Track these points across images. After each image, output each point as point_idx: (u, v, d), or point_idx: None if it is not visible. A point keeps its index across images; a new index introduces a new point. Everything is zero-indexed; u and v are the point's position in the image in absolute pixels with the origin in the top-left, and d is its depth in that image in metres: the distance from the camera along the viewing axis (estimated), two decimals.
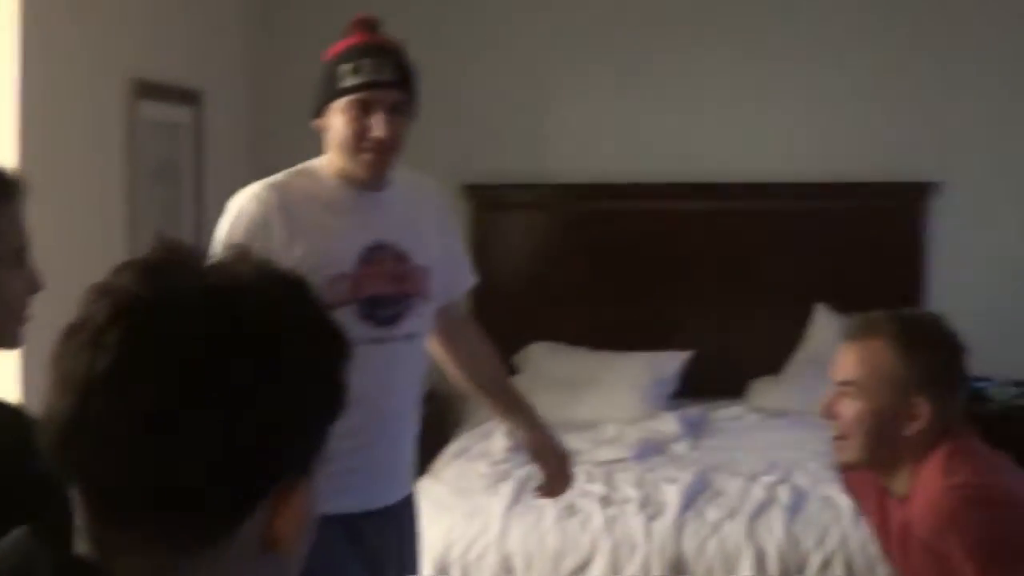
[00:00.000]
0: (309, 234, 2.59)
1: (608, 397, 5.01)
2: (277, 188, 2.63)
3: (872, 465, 2.49)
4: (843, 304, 4.91)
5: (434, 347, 2.91)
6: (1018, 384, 5.35)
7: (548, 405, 4.93)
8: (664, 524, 3.80)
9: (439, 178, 5.32)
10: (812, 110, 5.52)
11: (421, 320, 2.73)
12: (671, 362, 5.23)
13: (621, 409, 4.95)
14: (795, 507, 3.88)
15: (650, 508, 3.91)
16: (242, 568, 1.01)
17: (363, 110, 2.57)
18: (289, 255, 2.52)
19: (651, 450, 4.55)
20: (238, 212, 2.61)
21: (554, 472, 2.97)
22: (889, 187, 5.46)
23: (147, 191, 4.35)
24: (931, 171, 5.45)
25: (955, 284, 5.46)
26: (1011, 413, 5.26)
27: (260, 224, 2.57)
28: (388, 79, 2.60)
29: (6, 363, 3.04)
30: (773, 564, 3.70)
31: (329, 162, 2.68)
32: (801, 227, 5.47)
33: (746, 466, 4.31)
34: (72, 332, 0.98)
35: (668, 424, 4.81)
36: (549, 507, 3.87)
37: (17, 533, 1.04)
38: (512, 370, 5.31)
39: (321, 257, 2.56)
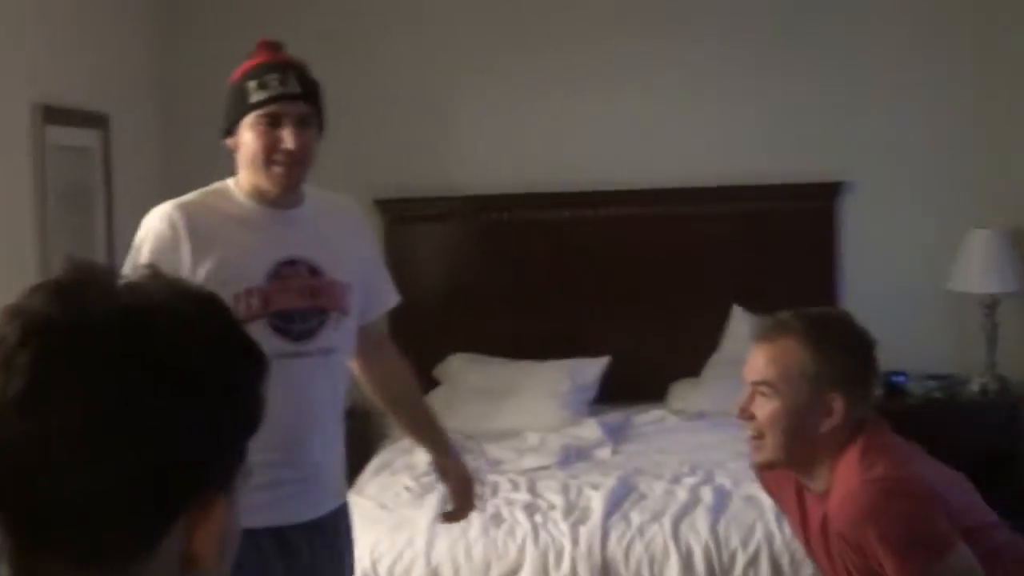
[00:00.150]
0: (218, 250, 2.62)
1: (529, 406, 5.02)
2: (185, 206, 2.66)
3: (789, 463, 2.53)
4: (759, 305, 4.96)
5: (353, 366, 2.94)
6: (933, 377, 5.44)
7: (470, 416, 4.98)
8: (590, 529, 3.82)
9: (350, 194, 5.35)
10: (721, 114, 5.58)
11: (339, 335, 2.75)
12: (590, 368, 5.26)
13: (542, 417, 4.96)
14: (719, 507, 3.91)
15: (575, 514, 3.93)
16: None
17: (272, 124, 2.62)
18: (198, 272, 2.58)
19: (574, 456, 4.57)
20: (146, 231, 2.65)
21: (459, 497, 3.06)
22: (800, 188, 5.53)
23: (57, 215, 4.30)
24: (840, 171, 5.54)
25: (868, 281, 5.56)
26: (929, 406, 5.36)
27: (167, 242, 2.60)
28: (294, 92, 2.64)
29: None
30: (700, 564, 3.73)
31: (241, 181, 2.71)
32: (714, 230, 5.53)
33: (669, 469, 4.34)
34: None
35: (590, 430, 4.83)
36: (475, 517, 3.87)
37: None
38: (432, 382, 5.32)
39: (231, 272, 2.60)
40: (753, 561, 3.73)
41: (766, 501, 3.72)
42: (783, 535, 3.68)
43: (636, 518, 3.88)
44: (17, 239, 4.07)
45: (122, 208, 4.71)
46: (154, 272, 1.07)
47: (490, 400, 5.08)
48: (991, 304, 5.35)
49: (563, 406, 5.03)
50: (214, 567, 1.04)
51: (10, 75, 4.05)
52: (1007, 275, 5.30)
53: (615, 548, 3.76)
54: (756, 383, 2.50)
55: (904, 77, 5.53)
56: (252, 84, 2.63)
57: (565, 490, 4.14)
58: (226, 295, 2.52)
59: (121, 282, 1.04)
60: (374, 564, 3.75)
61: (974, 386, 5.41)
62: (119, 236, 4.63)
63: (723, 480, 4.15)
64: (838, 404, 2.44)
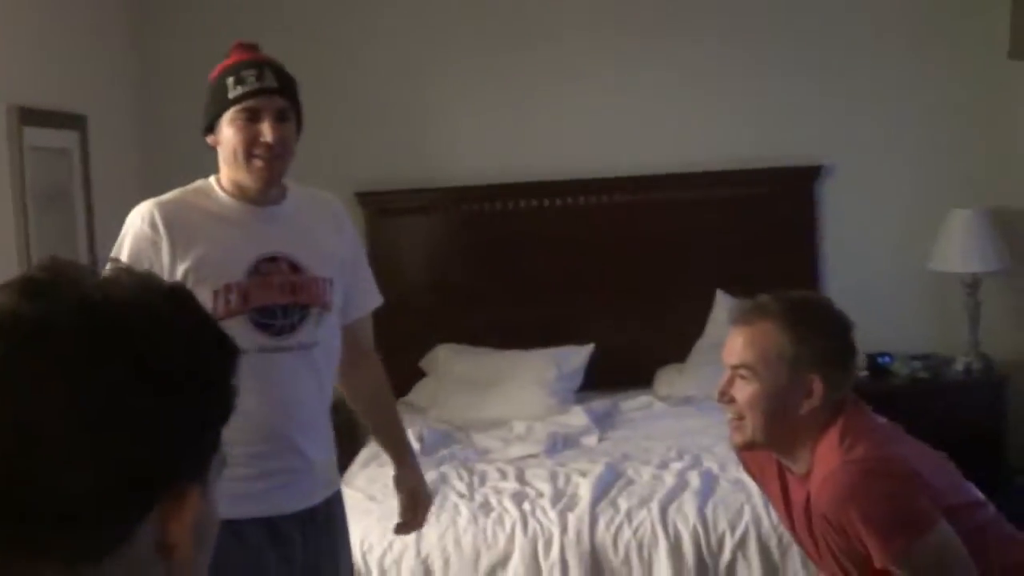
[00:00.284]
0: (198, 248, 2.66)
1: (516, 394, 5.04)
2: (165, 205, 2.70)
3: (770, 445, 2.54)
4: (743, 289, 4.90)
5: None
6: (918, 358, 5.47)
7: (457, 406, 5.00)
8: (578, 516, 3.83)
9: (330, 187, 5.35)
10: (699, 101, 5.60)
11: (321, 330, 2.77)
12: (575, 356, 5.28)
13: (529, 406, 4.98)
14: (706, 491, 3.92)
15: (563, 501, 3.94)
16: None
17: (251, 119, 2.67)
18: (177, 269, 2.63)
19: (561, 444, 4.59)
20: (126, 229, 2.69)
21: (408, 511, 3.13)
22: (780, 172, 5.55)
23: (37, 216, 4.30)
24: (819, 154, 5.56)
25: (850, 264, 5.60)
26: (914, 386, 5.39)
27: (147, 240, 2.65)
28: (272, 86, 2.69)
29: None
30: (688, 548, 3.74)
31: (222, 178, 2.76)
32: (696, 216, 5.55)
33: (656, 454, 4.36)
34: None
35: (577, 418, 4.85)
36: (463, 506, 3.90)
37: None
38: (419, 373, 5.34)
39: (210, 269, 2.65)
40: (741, 544, 3.74)
41: (753, 485, 3.72)
42: (771, 518, 3.69)
43: (624, 504, 3.89)
44: None
45: (102, 208, 4.72)
46: (125, 268, 1.08)
47: (477, 390, 5.10)
48: (973, 283, 5.38)
49: (550, 394, 5.05)
50: (189, 557, 1.05)
51: None
52: (988, 254, 5.32)
53: (603, 534, 3.78)
54: (735, 366, 2.52)
55: (881, 60, 5.56)
56: (230, 80, 2.68)
57: (553, 478, 4.15)
58: (206, 292, 2.62)
59: (93, 279, 1.05)
60: (364, 555, 3.76)
61: (958, 365, 5.44)
62: (100, 236, 4.64)
63: (710, 464, 4.17)
64: (817, 386, 2.45)
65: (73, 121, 4.69)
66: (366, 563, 3.76)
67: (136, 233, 2.66)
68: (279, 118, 2.68)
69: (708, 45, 5.57)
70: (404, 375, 5.34)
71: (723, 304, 5.28)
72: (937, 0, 5.53)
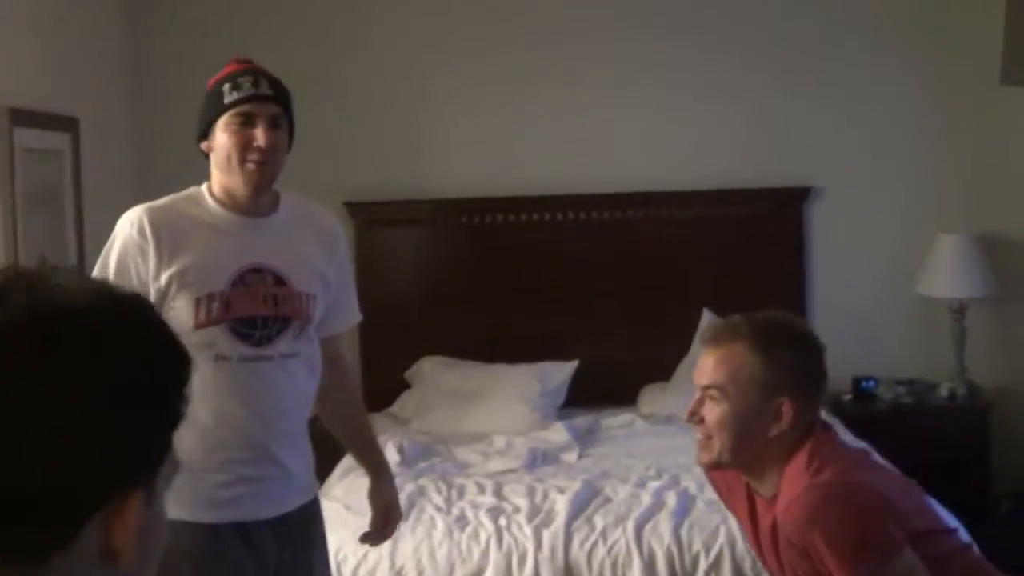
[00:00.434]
0: (184, 255, 2.70)
1: (499, 409, 5.04)
2: (154, 211, 2.74)
3: (737, 466, 2.54)
4: (729, 309, 4.92)
5: None
6: (903, 382, 5.47)
7: (440, 419, 5.00)
8: (553, 533, 3.83)
9: (321, 197, 5.36)
10: (691, 120, 5.61)
11: (299, 342, 2.81)
12: (560, 372, 5.28)
13: (512, 421, 4.98)
14: (682, 511, 3.92)
15: (540, 517, 3.93)
16: None
17: (245, 124, 2.73)
18: (162, 276, 2.68)
19: (541, 460, 4.59)
20: (116, 234, 2.73)
21: (378, 524, 3.16)
22: (769, 192, 5.56)
23: (27, 217, 4.31)
24: (809, 176, 5.57)
25: (837, 286, 5.61)
26: (899, 410, 5.40)
27: (134, 246, 2.69)
28: (266, 93, 2.75)
29: None
30: (662, 568, 3.74)
31: (213, 186, 2.80)
32: (685, 234, 5.56)
33: (635, 472, 4.36)
34: None
35: (558, 434, 4.85)
36: (439, 520, 3.90)
37: None
38: (404, 384, 5.35)
39: (193, 277, 2.69)
40: (715, 565, 3.74)
41: None
42: (745, 541, 3.69)
43: (600, 522, 3.89)
44: None
45: (92, 211, 4.73)
46: (82, 275, 1.09)
47: (460, 403, 5.11)
48: (960, 309, 5.39)
49: (532, 410, 5.05)
50: (133, 563, 1.05)
51: None
52: (975, 280, 5.33)
53: (578, 552, 3.77)
54: (705, 387, 2.53)
55: (873, 84, 5.58)
56: (226, 87, 2.74)
57: (531, 493, 4.15)
58: (188, 299, 2.66)
59: (49, 285, 1.05)
60: (338, 566, 3.76)
61: (943, 391, 5.44)
62: (89, 238, 4.65)
63: (688, 484, 4.16)
64: (787, 409, 2.45)
65: (65, 123, 4.70)
66: (340, 573, 3.76)
67: (124, 238, 2.70)
68: (272, 124, 2.74)
69: (703, 65, 5.58)
70: (389, 386, 5.36)
71: (709, 323, 5.28)
72: (930, 25, 5.54)
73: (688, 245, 5.55)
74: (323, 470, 4.50)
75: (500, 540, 3.82)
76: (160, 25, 5.56)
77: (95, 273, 2.75)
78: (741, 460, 2.52)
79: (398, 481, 4.21)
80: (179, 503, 2.71)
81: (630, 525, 3.85)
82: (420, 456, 4.63)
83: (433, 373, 5.33)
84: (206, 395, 2.69)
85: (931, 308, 5.50)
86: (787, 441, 2.47)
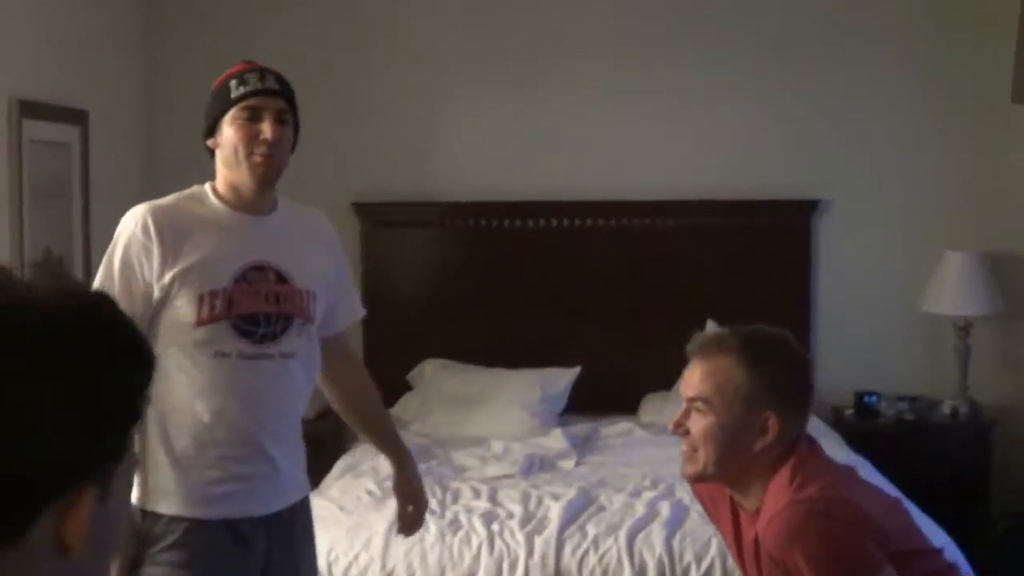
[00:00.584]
0: (188, 253, 2.73)
1: (498, 414, 5.05)
2: (160, 209, 2.78)
3: (721, 478, 2.54)
4: (733, 320, 4.93)
5: (318, 379, 3.05)
6: (905, 399, 5.46)
7: (440, 422, 5.01)
8: (545, 539, 3.82)
9: (328, 197, 5.40)
10: (700, 130, 5.61)
11: (301, 340, 2.85)
12: (561, 379, 5.28)
13: (511, 426, 4.99)
14: (675, 522, 3.91)
15: (532, 524, 3.93)
16: (33, 573, 1.03)
17: (252, 117, 2.76)
18: (167, 273, 2.71)
19: (537, 466, 4.59)
20: (120, 232, 2.77)
21: (406, 510, 3.19)
22: (776, 205, 5.56)
23: (33, 209, 4.34)
24: (816, 189, 5.57)
25: (842, 301, 5.60)
26: (900, 427, 5.39)
27: (140, 244, 2.72)
28: (273, 87, 2.80)
29: None
30: None
31: (217, 184, 2.84)
32: (691, 244, 5.56)
33: (631, 481, 4.35)
34: None
35: (556, 440, 4.85)
36: (432, 523, 3.90)
37: None
38: (405, 387, 5.36)
39: (198, 274, 2.72)
40: None
41: None
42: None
43: (592, 530, 3.89)
44: None
45: (100, 204, 4.76)
46: (47, 272, 1.10)
47: (461, 407, 5.12)
48: (964, 327, 5.37)
49: (532, 415, 5.05)
50: (85, 558, 1.06)
51: None
52: (981, 298, 5.32)
53: (569, 559, 3.77)
54: (691, 399, 2.53)
55: (884, 99, 5.57)
56: (233, 83, 2.79)
57: (525, 499, 4.15)
58: (191, 296, 2.69)
59: (13, 284, 1.06)
60: (329, 566, 3.77)
61: (945, 408, 5.42)
62: (96, 232, 4.68)
63: (683, 495, 4.14)
64: (772, 423, 2.45)
65: (75, 116, 4.73)
66: (331, 574, 3.77)
67: (129, 237, 2.74)
68: (279, 119, 2.78)
69: (711, 75, 5.58)
70: (390, 387, 5.34)
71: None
72: (941, 42, 5.53)
73: (693, 255, 5.55)
74: (322, 469, 4.53)
75: (492, 545, 3.82)
76: (174, 20, 5.58)
77: (100, 271, 2.78)
78: (726, 473, 2.52)
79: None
80: (171, 498, 2.75)
81: (622, 534, 3.84)
82: (417, 459, 4.61)
83: (434, 376, 5.34)
84: (204, 392, 2.74)
85: (936, 325, 5.49)
86: (772, 455, 2.46)
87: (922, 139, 5.56)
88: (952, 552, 3.73)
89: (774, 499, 2.43)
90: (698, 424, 2.50)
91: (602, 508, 4.09)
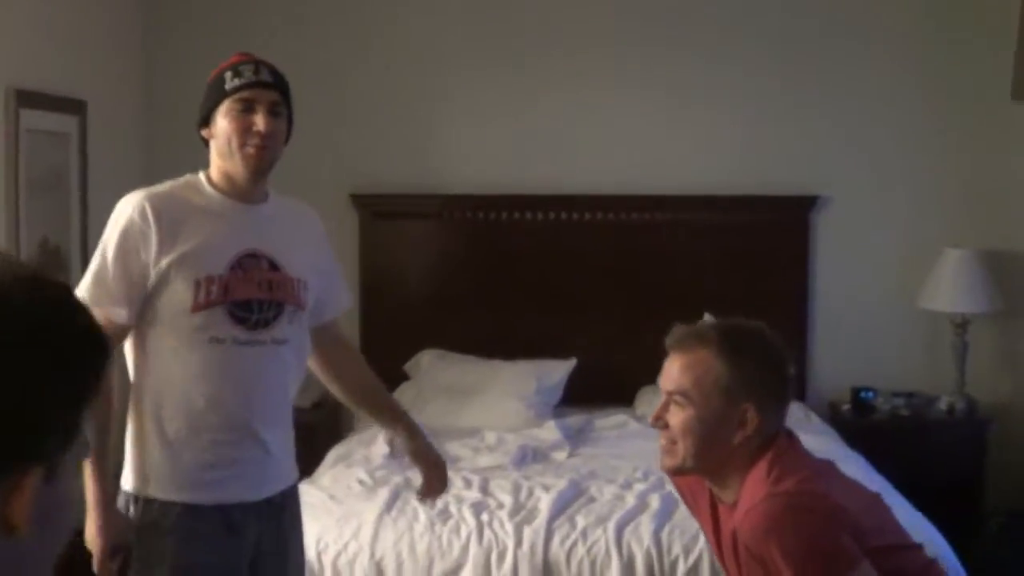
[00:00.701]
0: (184, 239, 2.78)
1: (494, 405, 5.06)
2: (157, 196, 2.82)
3: (700, 471, 2.55)
4: (731, 314, 4.93)
5: (315, 367, 3.12)
6: (901, 395, 5.46)
7: (435, 412, 5.02)
8: (534, 530, 3.84)
9: (327, 188, 5.42)
10: (701, 125, 5.61)
11: (293, 328, 2.90)
12: (557, 371, 5.29)
13: (505, 417, 5.00)
14: (664, 514, 3.91)
15: (522, 514, 3.95)
16: None
17: (245, 109, 2.81)
18: (163, 259, 2.75)
19: (530, 457, 4.60)
20: (117, 218, 2.81)
21: (431, 475, 3.21)
22: (775, 200, 5.56)
23: (29, 199, 4.36)
24: (816, 185, 5.56)
25: (840, 296, 5.60)
26: (896, 423, 5.38)
27: (138, 229, 2.76)
28: (267, 80, 2.84)
29: None
30: (641, 570, 3.74)
31: (212, 173, 2.89)
32: (689, 238, 5.57)
33: (622, 473, 4.36)
34: None
35: (549, 432, 4.86)
36: (422, 512, 3.92)
37: None
38: (402, 377, 5.38)
39: (194, 260, 2.76)
40: (694, 570, 3.73)
41: None
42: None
43: (581, 521, 3.90)
44: None
45: (98, 194, 4.76)
46: (10, 262, 1.12)
47: (456, 398, 5.13)
48: (962, 323, 5.37)
49: (527, 407, 5.06)
50: (32, 540, 1.08)
51: None
52: (979, 295, 5.31)
53: (557, 550, 3.78)
54: (670, 392, 2.54)
55: (882, 95, 5.57)
56: (228, 75, 2.83)
57: (516, 490, 4.16)
58: (187, 282, 2.73)
59: None
60: (319, 555, 3.79)
61: (942, 405, 5.42)
62: (93, 222, 4.69)
63: (672, 487, 4.15)
64: (751, 416, 2.45)
65: (73, 106, 4.74)
66: (320, 562, 3.79)
67: (127, 222, 2.77)
68: (272, 111, 2.82)
69: (711, 71, 5.58)
70: (387, 378, 5.31)
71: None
72: (942, 39, 5.53)
73: (692, 250, 5.56)
74: (315, 459, 4.56)
75: (481, 535, 3.83)
76: (174, 11, 5.59)
77: (95, 257, 2.81)
78: (705, 466, 2.53)
79: (385, 474, 4.28)
80: (164, 483, 2.78)
81: (611, 526, 3.85)
82: None
83: (431, 366, 5.36)
84: (197, 377, 2.78)
85: (934, 322, 5.49)
86: (751, 448, 2.47)
87: (921, 136, 5.56)
88: (941, 548, 3.73)
89: (751, 492, 2.43)
90: (677, 417, 2.52)
91: (592, 499, 4.10)
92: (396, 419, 3.24)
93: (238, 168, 2.82)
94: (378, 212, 5.57)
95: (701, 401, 2.48)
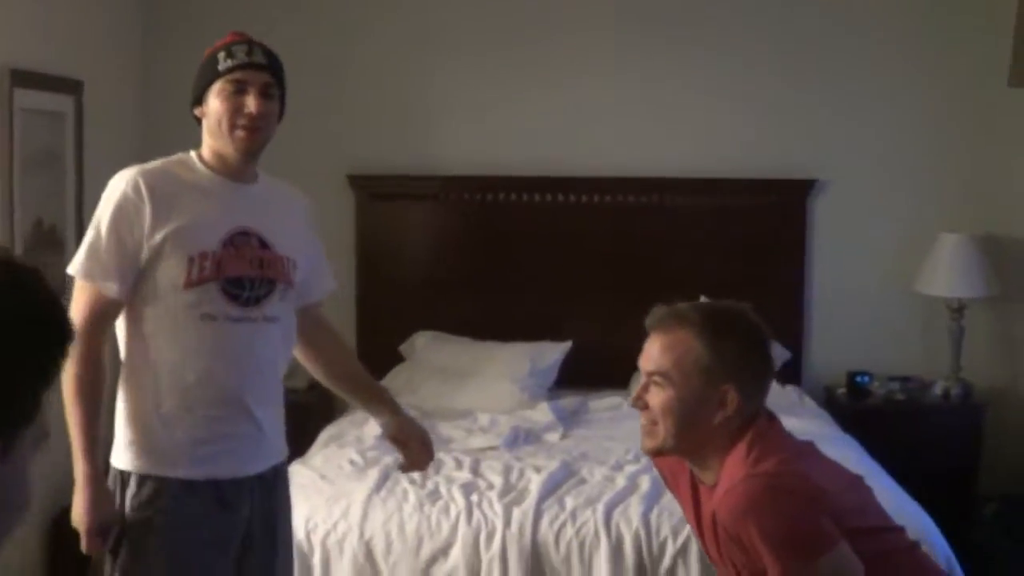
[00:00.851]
0: (177, 215, 2.79)
1: (488, 387, 5.07)
2: (149, 173, 2.84)
3: (680, 452, 2.55)
4: (728, 297, 4.94)
5: (296, 349, 3.13)
6: (897, 379, 5.45)
7: (429, 394, 5.03)
8: (523, 511, 3.84)
9: (323, 169, 5.42)
10: (698, 108, 5.60)
11: (283, 306, 2.93)
12: (551, 353, 5.30)
13: (499, 399, 5.01)
14: (653, 496, 3.91)
15: (512, 495, 3.96)
16: None
17: (237, 90, 2.82)
18: (157, 234, 2.77)
19: (522, 439, 4.61)
20: (110, 194, 2.82)
21: (417, 449, 3.21)
22: (772, 184, 5.55)
23: (24, 177, 4.36)
24: (813, 169, 5.56)
25: (836, 280, 5.60)
26: (891, 407, 5.38)
27: (132, 204, 2.78)
28: (260, 62, 2.86)
29: None
30: (629, 552, 3.75)
31: (203, 151, 2.90)
32: (686, 221, 5.56)
33: (614, 455, 4.36)
34: None
35: (542, 414, 4.87)
36: (412, 493, 3.93)
37: None
38: (397, 358, 5.39)
39: (188, 235, 2.78)
40: (682, 551, 3.74)
41: None
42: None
43: (571, 502, 3.90)
44: None
45: (94, 174, 4.76)
46: None
47: (450, 379, 5.14)
48: (958, 308, 5.36)
49: (521, 389, 5.07)
50: None
51: None
52: (976, 280, 5.31)
53: (546, 531, 3.79)
54: (650, 373, 2.54)
55: (882, 81, 5.55)
56: (221, 55, 2.85)
57: (507, 471, 4.17)
58: (182, 257, 2.75)
59: None
60: (308, 534, 3.80)
61: (937, 390, 5.42)
62: (88, 201, 4.69)
63: None
64: (732, 396, 2.45)
65: (69, 86, 4.74)
66: (309, 541, 3.80)
67: (121, 197, 2.79)
68: (264, 93, 2.84)
69: (710, 53, 5.58)
70: (383, 359, 5.39)
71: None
72: (939, 25, 5.51)
73: (689, 232, 5.55)
74: (309, 440, 4.57)
75: (470, 516, 3.84)
76: None
77: (88, 233, 2.82)
78: (685, 447, 2.53)
79: (376, 454, 4.28)
80: (155, 458, 2.80)
81: (600, 507, 3.85)
82: None
83: (426, 348, 5.37)
84: (189, 353, 2.80)
85: (930, 306, 5.48)
86: (731, 429, 2.47)
87: (919, 121, 5.55)
88: (931, 533, 3.73)
89: (731, 473, 2.43)
90: (657, 398, 2.51)
91: (583, 481, 4.11)
92: (378, 399, 3.25)
93: (229, 149, 2.85)
94: (375, 193, 5.57)
95: (681, 382, 2.48)
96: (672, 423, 2.50)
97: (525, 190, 5.57)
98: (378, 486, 3.98)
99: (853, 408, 5.33)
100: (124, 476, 2.83)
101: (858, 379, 5.43)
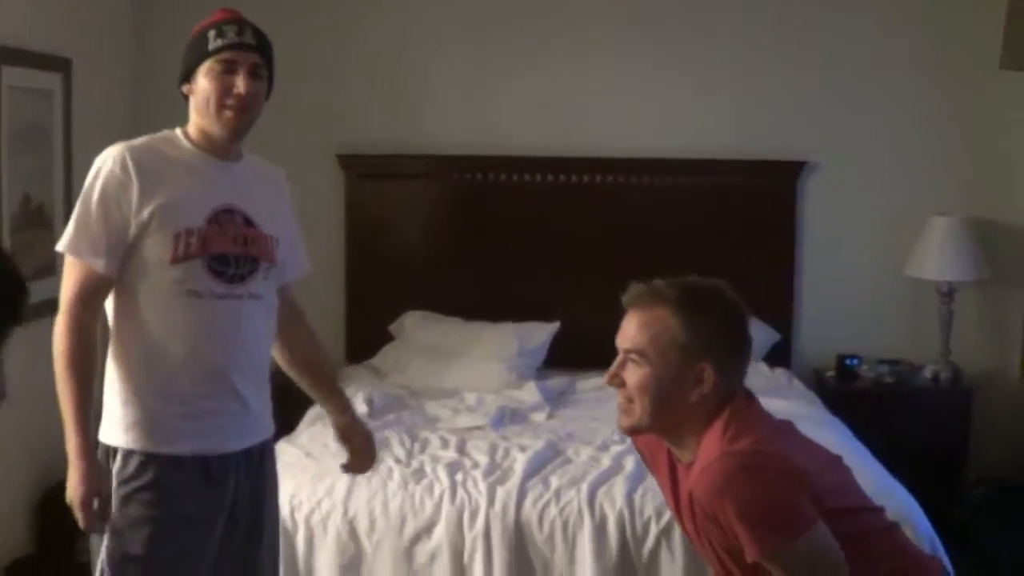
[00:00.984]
0: (164, 192, 2.80)
1: (475, 367, 5.08)
2: (135, 149, 2.84)
3: (657, 430, 2.53)
4: (717, 277, 4.96)
5: None
6: (886, 362, 5.45)
7: (417, 373, 5.04)
8: (507, 490, 3.84)
9: (314, 148, 5.41)
10: (689, 89, 5.60)
11: (266, 284, 2.94)
12: (539, 333, 5.30)
13: (487, 379, 5.02)
14: (638, 476, 3.91)
15: (496, 474, 3.96)
16: None
17: (227, 70, 2.83)
18: (146, 210, 2.77)
19: (509, 418, 4.61)
20: (98, 171, 2.82)
21: (360, 451, 3.27)
22: (763, 165, 5.55)
23: (14, 156, 4.36)
24: (804, 151, 5.55)
25: (826, 263, 5.61)
26: (880, 390, 5.38)
27: (119, 180, 2.78)
28: (250, 42, 2.86)
29: None
30: (613, 532, 3.75)
31: (190, 129, 2.91)
32: (677, 202, 5.56)
33: (600, 435, 4.36)
34: None
35: (529, 393, 4.87)
36: (396, 471, 3.93)
37: None
38: (387, 337, 5.38)
39: (174, 212, 2.79)
40: (666, 531, 3.73)
41: None
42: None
43: (555, 482, 3.90)
44: None
45: (82, 151, 4.76)
46: None
47: (439, 359, 5.14)
48: (948, 292, 5.36)
49: (509, 369, 5.08)
50: None
51: None
52: (966, 263, 5.30)
53: (530, 510, 3.79)
54: (627, 350, 2.53)
55: (873, 64, 5.56)
56: (211, 34, 2.84)
57: (492, 450, 4.18)
58: (167, 235, 2.75)
59: None
60: (292, 512, 3.80)
61: (926, 373, 5.42)
62: (78, 179, 4.67)
63: None
64: (708, 374, 2.43)
65: (57, 63, 4.74)
66: (294, 519, 3.80)
67: (108, 174, 2.79)
68: (253, 73, 2.84)
69: (702, 35, 5.57)
70: (372, 338, 5.40)
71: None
72: (932, 8, 5.51)
73: (680, 213, 5.55)
74: (295, 419, 4.56)
75: (454, 495, 3.84)
76: None
77: (76, 208, 2.82)
78: (661, 425, 2.51)
79: None
80: (145, 435, 2.80)
81: (584, 487, 3.85)
82: (388, 409, 4.68)
83: (415, 327, 5.37)
84: (176, 330, 2.80)
85: (920, 289, 5.48)
86: (708, 407, 2.44)
87: (910, 103, 5.54)
88: (916, 515, 3.73)
89: (707, 451, 2.41)
90: (634, 375, 2.50)
91: (568, 460, 4.11)
92: (332, 394, 3.26)
93: (216, 128, 2.85)
94: (364, 173, 5.57)
95: (658, 359, 2.46)
96: (648, 401, 2.48)
97: (515, 170, 5.57)
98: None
99: (842, 391, 5.33)
100: (111, 451, 2.83)
101: (847, 362, 5.43)
